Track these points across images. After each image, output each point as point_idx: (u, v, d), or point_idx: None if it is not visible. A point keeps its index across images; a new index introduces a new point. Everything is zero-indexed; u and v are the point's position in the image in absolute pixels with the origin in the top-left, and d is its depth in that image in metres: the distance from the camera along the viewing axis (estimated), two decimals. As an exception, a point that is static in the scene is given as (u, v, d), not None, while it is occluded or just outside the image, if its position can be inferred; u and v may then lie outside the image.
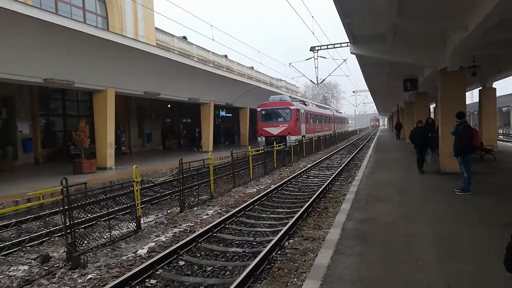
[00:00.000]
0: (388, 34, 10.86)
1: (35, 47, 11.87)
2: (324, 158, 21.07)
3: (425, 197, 8.21)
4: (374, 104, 56.90)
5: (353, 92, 67.04)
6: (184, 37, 35.58)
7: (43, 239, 6.94)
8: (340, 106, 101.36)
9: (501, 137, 34.69)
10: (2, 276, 5.34)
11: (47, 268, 5.57)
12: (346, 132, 53.06)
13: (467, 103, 13.74)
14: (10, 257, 6.14)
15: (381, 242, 5.23)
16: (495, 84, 18.40)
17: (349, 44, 12.43)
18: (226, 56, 43.17)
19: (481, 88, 18.27)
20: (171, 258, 5.87)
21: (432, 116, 24.08)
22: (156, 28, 28.68)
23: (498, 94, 19.54)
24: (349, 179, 12.91)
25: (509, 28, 9.59)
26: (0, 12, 9.81)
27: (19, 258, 6.09)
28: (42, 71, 12.72)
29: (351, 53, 12.57)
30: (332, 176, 13.37)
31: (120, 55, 14.72)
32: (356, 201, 8.03)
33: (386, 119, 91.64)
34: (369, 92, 37.88)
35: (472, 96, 48.59)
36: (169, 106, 29.11)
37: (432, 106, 29.78)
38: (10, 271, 5.53)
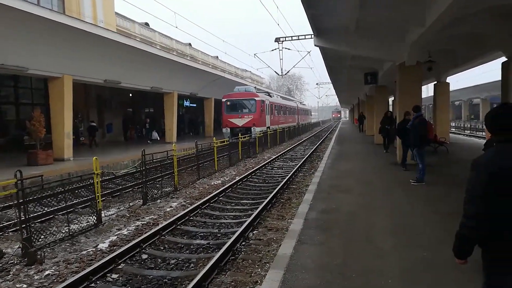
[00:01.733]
0: (351, 27, 11.08)
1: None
2: (288, 150, 21.38)
3: (383, 188, 8.57)
4: (336, 96, 58.18)
5: (317, 84, 68.31)
6: (146, 24, 34.55)
7: (-5, 235, 6.58)
8: (304, 98, 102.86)
9: (453, 129, 36.73)
10: (-51, 275, 5.03)
11: (0, 264, 5.30)
12: (310, 124, 54.01)
13: (423, 97, 14.43)
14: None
15: (342, 231, 5.42)
16: (448, 79, 19.39)
17: (313, 36, 12.60)
18: (190, 44, 42.40)
19: (436, 82, 19.18)
20: (134, 252, 5.78)
21: (390, 109, 25.02)
22: (116, 13, 27.63)
23: (451, 88, 20.61)
24: (312, 170, 13.19)
25: (464, 22, 10.05)
26: None
27: (-31, 255, 5.75)
28: (-9, 56, 11.91)
29: (315, 45, 12.77)
30: (296, 167, 13.61)
31: (77, 40, 14.03)
32: (319, 192, 8.24)
33: (347, 111, 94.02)
34: (331, 85, 38.67)
35: (428, 90, 50.89)
36: (130, 95, 28.24)
37: (390, 100, 30.94)
38: (-43, 269, 5.22)
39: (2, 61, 12.12)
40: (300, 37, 27.24)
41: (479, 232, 2.13)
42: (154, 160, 11.26)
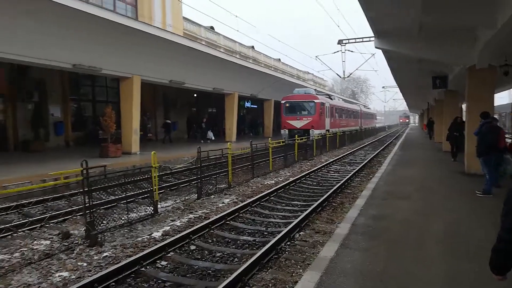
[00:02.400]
0: (414, 30, 10.53)
1: (65, 33, 12.31)
2: (348, 154, 20.84)
3: (444, 197, 8.03)
4: (404, 100, 55.39)
5: (383, 87, 65.50)
6: (212, 27, 35.80)
7: (66, 217, 7.31)
8: (369, 101, 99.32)
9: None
10: (26, 249, 5.70)
11: (67, 244, 5.89)
12: (374, 128, 52.07)
13: (503, 103, 13.29)
14: (35, 232, 6.51)
15: (390, 238, 5.20)
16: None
17: (373, 38, 12.16)
18: (253, 47, 43.12)
19: (515, 87, 17.45)
20: (183, 242, 6.06)
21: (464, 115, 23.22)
22: (184, 18, 29.00)
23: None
24: (370, 176, 12.75)
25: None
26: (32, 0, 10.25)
27: (42, 234, 6.46)
28: (72, 57, 13.21)
29: (375, 47, 12.29)
30: (353, 172, 13.24)
31: (147, 43, 15.04)
32: (372, 197, 7.96)
33: (416, 117, 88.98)
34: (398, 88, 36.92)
35: (511, 96, 46.20)
36: (195, 95, 29.51)
37: (464, 105, 28.74)
38: (33, 245, 5.89)
39: (79, 61, 13.40)
40: (364, 39, 26.42)
41: None
42: (210, 158, 11.64)
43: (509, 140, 15.94)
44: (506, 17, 7.36)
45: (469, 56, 10.96)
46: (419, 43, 11.57)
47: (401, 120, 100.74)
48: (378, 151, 22.33)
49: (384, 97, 77.97)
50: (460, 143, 13.55)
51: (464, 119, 15.29)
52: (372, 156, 19.13)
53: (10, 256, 5.42)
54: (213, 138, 25.03)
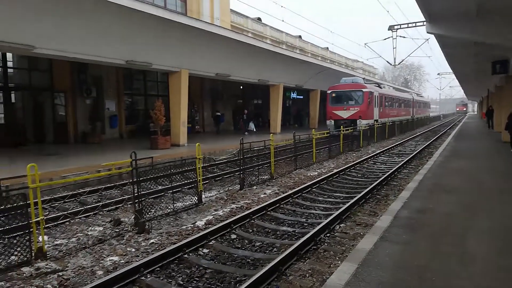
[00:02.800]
0: (471, 11, 9.87)
1: (119, 31, 13.02)
2: (397, 144, 20.09)
3: (496, 191, 7.54)
4: (461, 88, 51.99)
5: (438, 74, 61.83)
6: (259, 19, 35.83)
7: (117, 205, 7.83)
8: (423, 89, 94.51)
9: None
10: (81, 235, 6.22)
11: (117, 230, 6.34)
12: (427, 118, 49.53)
13: None
14: (90, 219, 7.06)
15: (433, 232, 5.02)
16: None
17: (425, 23, 11.55)
18: (300, 37, 42.60)
19: None
20: (225, 231, 6.27)
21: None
22: (231, 10, 29.30)
23: None
24: (419, 168, 12.23)
25: None
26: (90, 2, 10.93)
27: (96, 220, 6.99)
28: (124, 54, 13.94)
29: (427, 32, 11.68)
30: (401, 164, 12.78)
31: (195, 38, 15.45)
32: (418, 190, 7.67)
33: (475, 105, 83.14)
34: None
35: None
36: (241, 87, 29.86)
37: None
38: (88, 231, 6.40)
39: (132, 58, 14.11)
40: (417, 24, 25.10)
41: None
42: (253, 149, 11.81)
43: None
44: None
45: (532, 38, 10.09)
46: (477, 26, 10.84)
47: (458, 109, 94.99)
48: (430, 141, 21.27)
49: (439, 84, 73.45)
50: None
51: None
52: (423, 147, 18.29)
53: (67, 241, 5.95)
54: (254, 130, 24.99)
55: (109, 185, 9.45)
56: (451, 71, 29.67)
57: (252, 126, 25.19)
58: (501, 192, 7.41)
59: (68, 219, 6.82)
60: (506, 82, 18.00)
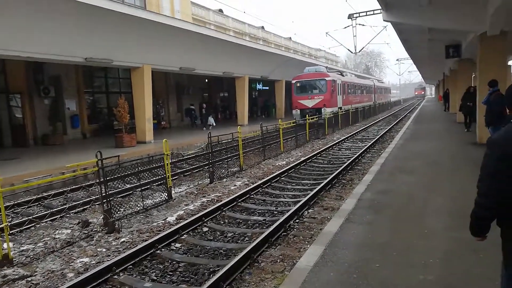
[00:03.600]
0: (423, -1, 10.30)
1: (76, 28, 12.56)
2: (360, 130, 20.78)
3: (453, 169, 8.04)
4: (419, 72, 54.12)
5: (397, 60, 64.09)
6: (220, 10, 35.54)
7: (85, 207, 7.68)
8: (384, 75, 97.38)
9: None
10: (48, 238, 6.08)
11: (86, 232, 6.24)
12: (388, 103, 51.27)
13: None
14: (56, 222, 6.90)
15: (394, 212, 5.33)
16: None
17: (381, 11, 11.94)
18: (263, 27, 42.67)
19: (532, 52, 16.88)
20: (196, 225, 6.34)
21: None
22: (192, 3, 28.89)
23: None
24: (381, 151, 12.74)
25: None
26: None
27: (63, 223, 6.84)
28: (83, 51, 13.49)
29: (384, 20, 12.08)
30: (364, 148, 13.28)
31: (156, 32, 15.15)
32: (380, 172, 8.05)
33: (433, 88, 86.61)
34: (412, 60, 36.07)
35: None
36: (206, 81, 29.64)
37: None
38: (55, 234, 6.27)
39: (91, 55, 13.67)
40: (375, 12, 25.81)
41: (490, 210, 2.10)
42: (221, 142, 11.86)
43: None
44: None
45: (480, 22, 10.66)
46: (429, 12, 11.32)
47: (416, 93, 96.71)
48: (392, 125, 22.17)
49: (399, 70, 76.06)
50: (473, 113, 13.35)
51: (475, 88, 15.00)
52: (385, 131, 19.04)
53: (34, 246, 5.81)
54: (214, 125, 23.23)
55: (74, 186, 9.23)
56: (409, 56, 30.82)
57: (211, 120, 23.34)
58: (455, 170, 7.91)
59: (33, 224, 6.63)
60: (459, 65, 18.98)
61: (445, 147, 11.03)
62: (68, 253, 5.44)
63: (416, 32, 15.96)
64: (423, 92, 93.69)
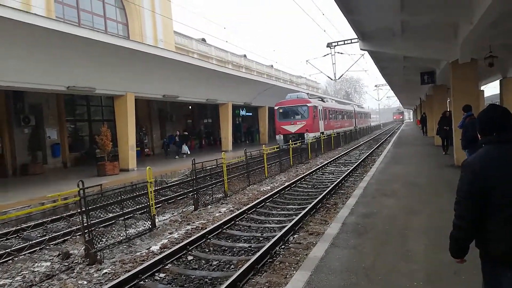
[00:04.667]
0: (396, 29, 10.84)
1: (58, 57, 12.59)
2: (343, 154, 21.07)
3: (432, 191, 8.24)
4: (397, 97, 55.78)
5: (375, 86, 66.03)
6: (203, 39, 36.21)
7: (65, 238, 7.48)
8: (363, 100, 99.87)
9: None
10: (26, 272, 5.88)
11: (67, 264, 6.07)
12: (369, 127, 52.38)
13: (491, 94, 13.53)
14: (36, 255, 6.69)
15: (377, 235, 5.40)
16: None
17: (358, 40, 12.45)
18: (245, 56, 43.54)
19: (501, 78, 17.76)
20: (181, 254, 6.24)
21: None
22: (175, 32, 29.37)
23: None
24: (364, 175, 12.94)
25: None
26: (25, 27, 10.51)
27: (43, 256, 6.64)
28: (65, 80, 13.47)
29: (361, 49, 12.60)
30: (347, 172, 13.46)
31: (139, 61, 15.32)
32: (363, 196, 8.17)
33: (411, 112, 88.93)
34: (390, 86, 37.26)
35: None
36: (190, 107, 29.78)
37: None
38: (34, 267, 6.07)
39: (73, 83, 13.66)
40: (353, 40, 26.82)
41: (466, 232, 2.19)
42: (205, 169, 11.85)
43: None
44: (482, 12, 7.62)
45: (451, 51, 11.24)
46: (403, 42, 11.87)
47: (394, 117, 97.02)
48: (373, 149, 22.59)
49: (377, 95, 78.24)
50: (450, 137, 13.81)
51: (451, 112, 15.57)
52: (366, 155, 19.37)
53: (11, 280, 5.60)
54: (188, 153, 22.03)
55: (55, 217, 8.99)
56: (386, 82, 31.86)
57: (185, 149, 22.16)
58: (434, 192, 8.12)
59: (11, 257, 6.41)
60: (434, 91, 19.72)
61: (424, 170, 11.32)
62: (48, 287, 5.27)
63: (392, 60, 16.63)
64: (401, 117, 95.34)
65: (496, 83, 21.19)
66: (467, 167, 2.20)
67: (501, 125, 2.17)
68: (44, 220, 8.60)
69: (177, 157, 21.09)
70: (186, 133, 24.26)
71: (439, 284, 3.73)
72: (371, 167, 14.01)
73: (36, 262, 6.32)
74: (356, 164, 15.76)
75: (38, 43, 11.67)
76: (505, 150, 2.12)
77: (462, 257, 2.29)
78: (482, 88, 24.51)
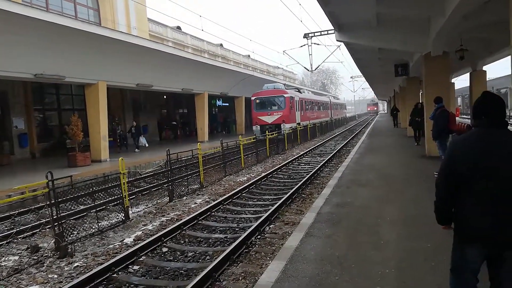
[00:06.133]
0: (372, 21, 10.94)
1: (25, 43, 12.01)
2: (319, 145, 21.31)
3: (405, 181, 8.45)
4: (371, 89, 56.77)
5: (351, 77, 66.93)
6: (178, 27, 35.48)
7: (34, 231, 7.22)
8: (339, 92, 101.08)
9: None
10: (-7, 266, 5.64)
11: (36, 257, 5.85)
12: (344, 118, 53.17)
13: (461, 86, 13.94)
14: (3, 249, 6.42)
15: (351, 224, 5.49)
16: (491, 66, 18.49)
17: (334, 31, 12.51)
18: (221, 45, 43.02)
19: (471, 71, 18.34)
20: (155, 245, 6.15)
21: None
22: (149, 19, 28.62)
23: (497, 75, 19.59)
24: (338, 165, 13.12)
25: (493, 12, 9.64)
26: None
27: (11, 249, 6.38)
28: (32, 67, 12.88)
29: (337, 40, 12.68)
30: (322, 163, 13.62)
31: (111, 48, 14.84)
32: (338, 186, 8.28)
33: (385, 104, 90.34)
34: (365, 78, 37.82)
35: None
36: (164, 97, 29.25)
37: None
38: (1, 261, 5.82)
39: (41, 71, 13.08)
40: (329, 32, 26.95)
41: (443, 200, 2.46)
42: (180, 159, 11.69)
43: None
44: (453, 6, 7.79)
45: (424, 44, 11.47)
46: (378, 34, 12.03)
47: (369, 109, 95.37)
48: (348, 140, 22.95)
49: (353, 87, 79.31)
50: (422, 128, 14.19)
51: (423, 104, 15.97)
52: (341, 146, 19.66)
53: (-23, 275, 5.36)
54: (146, 145, 21.35)
55: (22, 210, 8.65)
56: (362, 74, 32.33)
57: (143, 141, 21.23)
58: (406, 182, 8.33)
59: (-25, 252, 6.13)
60: (407, 83, 20.15)
61: (396, 160, 11.59)
62: (16, 281, 5.07)
63: (367, 52, 16.84)
64: (375, 108, 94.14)
65: (466, 76, 21.90)
66: (451, 144, 2.56)
67: (488, 110, 2.32)
68: (11, 213, 8.24)
69: (136, 150, 19.91)
70: (175, 122, 23.39)
71: (410, 271, 3.82)
72: (345, 158, 14.22)
73: (3, 256, 6.06)
74: (332, 154, 15.96)
75: (3, 29, 11.06)
76: (487, 133, 2.28)
77: (445, 224, 2.55)
78: (452, 80, 25.26)
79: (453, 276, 2.50)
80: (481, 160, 2.20)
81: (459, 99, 41.52)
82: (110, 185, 8.29)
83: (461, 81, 39.89)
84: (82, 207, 8.61)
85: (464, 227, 2.33)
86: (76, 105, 21.46)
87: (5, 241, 6.53)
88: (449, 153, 2.40)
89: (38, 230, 7.24)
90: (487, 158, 2.19)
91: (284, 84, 29.77)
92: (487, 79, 19.56)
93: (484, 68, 18.66)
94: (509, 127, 2.36)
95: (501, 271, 2.26)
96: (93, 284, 4.77)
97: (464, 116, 28.52)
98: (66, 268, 5.47)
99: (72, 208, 8.28)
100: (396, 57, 17.49)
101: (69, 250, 5.98)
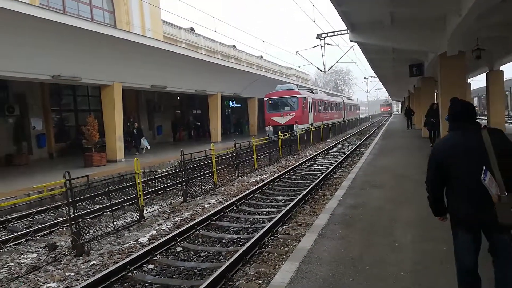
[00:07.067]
0: (386, 20, 10.85)
1: (42, 45, 12.29)
2: (332, 146, 21.20)
3: (419, 182, 8.28)
4: (385, 89, 56.15)
5: (364, 78, 66.30)
6: (192, 29, 35.75)
7: (52, 229, 7.38)
8: (352, 92, 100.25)
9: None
10: (12, 264, 5.79)
11: (53, 255, 5.99)
12: (357, 119, 52.73)
13: (478, 87, 13.65)
14: (21, 246, 6.59)
15: (365, 226, 5.45)
16: (509, 66, 18.09)
17: (348, 31, 12.44)
18: (234, 46, 43.17)
19: (488, 71, 17.99)
20: (169, 245, 6.22)
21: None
22: (163, 21, 28.92)
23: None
24: (352, 167, 13.04)
25: (510, 11, 9.46)
26: (8, 13, 10.20)
27: (29, 247, 6.54)
28: (50, 68, 13.16)
29: (351, 40, 12.60)
30: (335, 164, 13.55)
31: (126, 50, 15.05)
32: (352, 187, 8.23)
33: (400, 105, 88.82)
34: (379, 78, 37.43)
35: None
36: (178, 98, 29.50)
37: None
38: (20, 259, 5.98)
39: (58, 72, 13.36)
40: (342, 32, 26.77)
41: (433, 192, 2.85)
42: (194, 160, 11.78)
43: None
44: (470, 5, 7.68)
45: (439, 43, 11.31)
46: (392, 34, 11.91)
47: (382, 109, 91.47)
48: (361, 141, 22.76)
49: (366, 87, 78.47)
50: (438, 129, 13.97)
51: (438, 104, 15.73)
52: (355, 147, 19.52)
53: (-3, 272, 5.52)
54: (148, 147, 20.27)
55: (41, 208, 8.85)
56: (375, 74, 32.02)
57: (145, 143, 20.08)
58: (421, 184, 8.18)
59: (-4, 249, 6.30)
60: (422, 83, 19.88)
61: (411, 161, 11.45)
62: (34, 279, 5.20)
63: (381, 52, 16.69)
64: (389, 109, 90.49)
65: (483, 76, 21.51)
66: (434, 146, 2.93)
67: (462, 116, 2.73)
68: (29, 211, 8.44)
69: (137, 152, 19.21)
70: (199, 123, 23.61)
71: (425, 274, 3.78)
72: (359, 159, 14.12)
73: (22, 253, 6.22)
74: (345, 155, 15.86)
75: (22, 31, 11.35)
76: (461, 135, 2.68)
77: (440, 215, 2.94)
78: (468, 81, 24.81)
79: (455, 260, 2.83)
80: (448, 157, 2.67)
81: (475, 100, 40.73)
82: (125, 184, 8.40)
83: (478, 81, 39.17)
84: (98, 206, 8.76)
85: (452, 214, 2.77)
86: (92, 106, 21.82)
87: (24, 239, 6.70)
88: (435, 150, 2.84)
89: (55, 228, 7.42)
90: (451, 155, 2.66)
91: (297, 85, 29.67)
92: (504, 79, 19.15)
93: (502, 68, 18.27)
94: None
95: (495, 259, 2.65)
96: (109, 282, 4.86)
97: (481, 117, 27.92)
98: (82, 266, 5.58)
99: (89, 207, 8.43)
100: (410, 57, 17.28)
101: (86, 248, 6.10)
